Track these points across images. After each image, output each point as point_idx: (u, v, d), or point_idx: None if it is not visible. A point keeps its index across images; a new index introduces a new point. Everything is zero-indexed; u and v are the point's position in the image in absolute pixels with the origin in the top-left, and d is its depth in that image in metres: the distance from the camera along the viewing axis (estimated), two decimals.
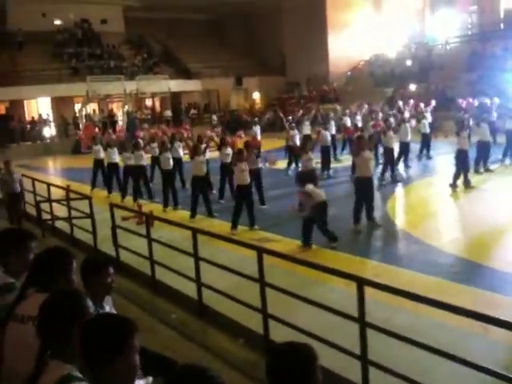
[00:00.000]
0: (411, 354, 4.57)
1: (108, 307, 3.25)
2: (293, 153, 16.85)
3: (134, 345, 2.09)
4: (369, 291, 4.49)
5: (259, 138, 19.80)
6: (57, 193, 12.97)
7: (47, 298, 2.43)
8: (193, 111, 37.03)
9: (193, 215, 11.95)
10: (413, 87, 31.03)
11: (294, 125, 18.97)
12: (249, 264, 6.21)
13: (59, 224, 11.53)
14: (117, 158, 15.41)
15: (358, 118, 20.18)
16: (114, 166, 15.74)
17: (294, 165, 17.33)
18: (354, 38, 37.40)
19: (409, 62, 33.90)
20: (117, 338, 2.06)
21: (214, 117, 36.01)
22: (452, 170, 13.37)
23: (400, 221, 11.25)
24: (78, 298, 2.44)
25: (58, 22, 35.75)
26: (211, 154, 14.90)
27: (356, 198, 10.40)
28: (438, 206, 12.57)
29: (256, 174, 12.38)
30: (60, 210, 11.85)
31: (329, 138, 17.04)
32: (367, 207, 10.38)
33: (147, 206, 12.76)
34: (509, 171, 15.36)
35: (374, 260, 8.52)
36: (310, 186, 8.98)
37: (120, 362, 2.04)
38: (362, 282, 4.47)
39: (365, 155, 10.31)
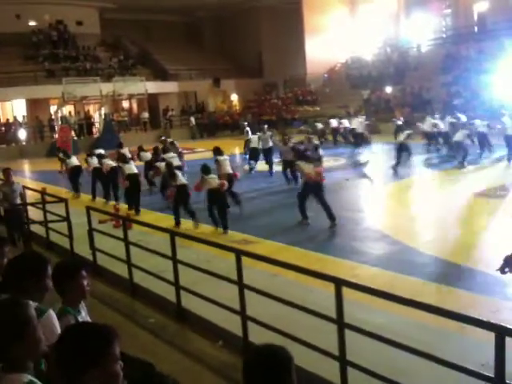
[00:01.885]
0: (390, 354, 4.59)
1: (83, 312, 3.20)
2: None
3: (113, 353, 2.02)
4: (348, 292, 4.50)
5: None
6: (32, 196, 12.76)
7: None
8: (170, 113, 36.79)
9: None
10: (389, 89, 31.37)
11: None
12: (227, 265, 6.18)
13: (35, 228, 11.34)
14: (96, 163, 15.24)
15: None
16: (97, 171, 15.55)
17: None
18: (331, 41, 37.67)
19: (384, 65, 34.23)
20: (94, 348, 1.98)
21: (192, 119, 35.83)
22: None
23: (377, 221, 11.31)
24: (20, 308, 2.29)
25: (32, 24, 35.25)
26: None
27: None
28: (415, 207, 12.69)
29: (228, 179, 12.44)
30: (36, 214, 11.66)
31: None
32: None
33: (123, 209, 12.65)
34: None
35: (353, 261, 8.54)
36: (210, 176, 10.61)
37: (99, 372, 1.96)
38: (339, 283, 4.48)
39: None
